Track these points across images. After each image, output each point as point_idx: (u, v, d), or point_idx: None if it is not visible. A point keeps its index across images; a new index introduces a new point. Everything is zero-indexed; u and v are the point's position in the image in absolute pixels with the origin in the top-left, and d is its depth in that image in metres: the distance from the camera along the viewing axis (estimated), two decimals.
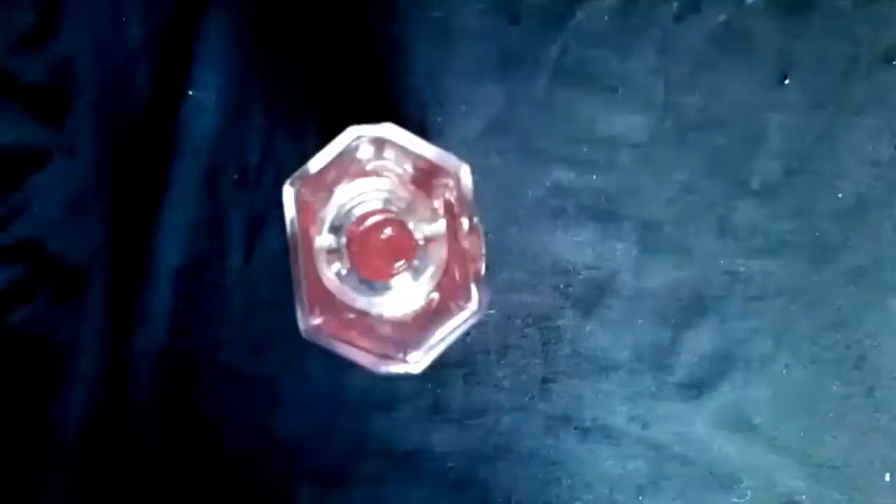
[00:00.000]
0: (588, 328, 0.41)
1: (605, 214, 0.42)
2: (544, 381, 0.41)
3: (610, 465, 0.41)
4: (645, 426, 0.41)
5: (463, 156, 0.30)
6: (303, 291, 0.30)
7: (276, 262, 0.42)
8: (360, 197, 0.32)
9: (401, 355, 0.30)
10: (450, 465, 0.41)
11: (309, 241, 0.31)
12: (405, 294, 0.31)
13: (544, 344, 0.41)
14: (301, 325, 0.30)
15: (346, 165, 0.31)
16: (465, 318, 0.30)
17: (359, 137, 0.30)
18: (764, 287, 0.41)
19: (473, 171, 0.31)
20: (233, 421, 0.41)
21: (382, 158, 0.31)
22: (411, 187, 0.32)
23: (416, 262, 0.31)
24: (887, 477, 0.40)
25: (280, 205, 0.30)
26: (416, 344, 0.30)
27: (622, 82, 0.42)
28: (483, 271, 0.30)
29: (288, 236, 0.30)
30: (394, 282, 0.31)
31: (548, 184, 0.42)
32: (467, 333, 0.36)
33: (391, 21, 0.43)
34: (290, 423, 0.41)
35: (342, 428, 0.41)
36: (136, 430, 0.41)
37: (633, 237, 0.42)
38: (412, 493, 0.41)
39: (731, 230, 0.42)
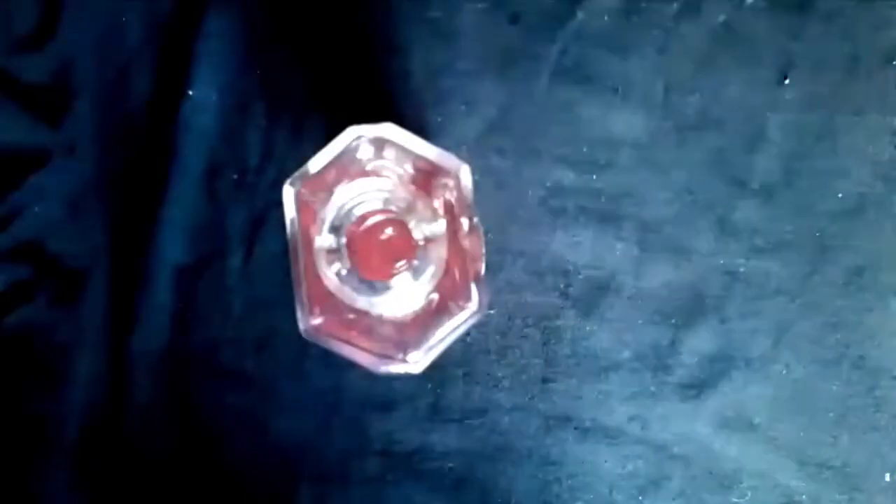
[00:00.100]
0: (588, 328, 0.41)
1: (605, 214, 0.42)
2: (544, 381, 0.41)
3: (610, 465, 0.41)
4: (645, 426, 0.41)
5: (463, 156, 0.30)
6: (303, 291, 0.30)
7: (276, 262, 0.42)
8: (360, 197, 0.32)
9: (401, 355, 0.30)
10: (449, 464, 0.41)
11: (309, 241, 0.31)
12: (405, 294, 0.31)
13: (544, 344, 0.41)
14: (301, 325, 0.30)
15: (346, 165, 0.31)
16: (465, 318, 0.30)
17: (359, 137, 0.30)
18: (764, 287, 0.41)
19: (473, 171, 0.31)
20: (233, 420, 0.41)
21: (382, 158, 0.31)
22: (411, 187, 0.32)
23: (416, 262, 0.31)
24: (887, 477, 0.40)
25: (280, 205, 0.30)
26: (416, 344, 0.30)
27: (622, 82, 0.42)
28: (483, 271, 0.30)
29: (288, 236, 0.30)
30: (394, 282, 0.31)
31: (548, 184, 0.42)
32: (467, 333, 0.36)
33: (391, 21, 0.43)
34: (289, 422, 0.41)
35: (342, 428, 0.41)
36: (136, 429, 0.41)
37: (633, 237, 0.42)
38: (412, 493, 0.41)
39: (731, 230, 0.42)
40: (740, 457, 0.40)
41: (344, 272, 0.31)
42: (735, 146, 0.42)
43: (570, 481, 0.41)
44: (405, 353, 0.30)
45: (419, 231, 0.31)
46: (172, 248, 0.42)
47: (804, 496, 0.40)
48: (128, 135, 0.43)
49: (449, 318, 0.30)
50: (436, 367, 0.31)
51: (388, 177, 0.32)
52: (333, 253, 0.31)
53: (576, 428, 0.41)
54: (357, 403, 0.41)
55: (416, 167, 0.31)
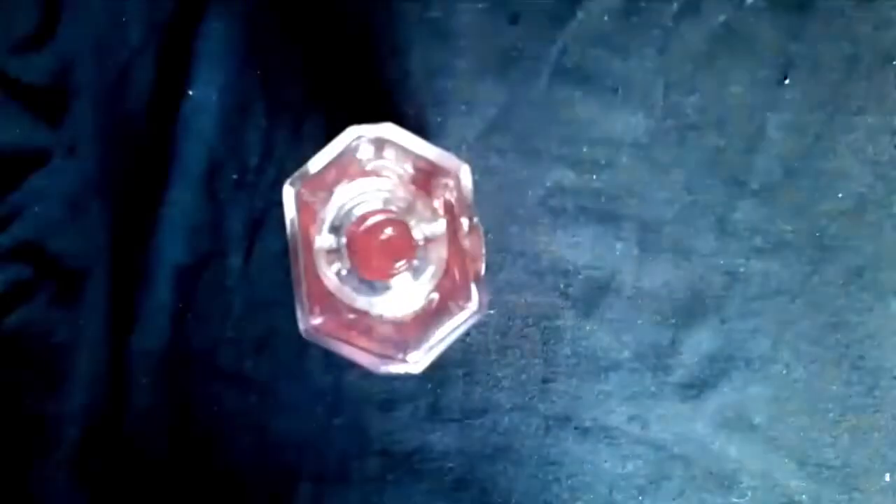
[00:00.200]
0: (588, 328, 0.41)
1: (605, 214, 0.42)
2: (544, 381, 0.41)
3: (610, 465, 0.41)
4: (645, 426, 0.41)
5: (463, 156, 0.30)
6: (303, 291, 0.30)
7: (276, 262, 0.42)
8: (360, 197, 0.32)
9: (401, 355, 0.30)
10: (449, 465, 0.41)
11: (309, 241, 0.31)
12: (405, 294, 0.31)
13: (544, 344, 0.41)
14: (301, 325, 0.30)
15: (346, 165, 0.31)
16: (465, 318, 0.30)
17: (359, 137, 0.30)
18: (764, 287, 0.41)
19: (473, 171, 0.31)
20: (232, 420, 0.41)
21: (382, 158, 0.31)
22: (411, 187, 0.32)
23: (416, 262, 0.31)
24: (887, 477, 0.40)
25: (280, 205, 0.30)
26: (416, 344, 0.30)
27: (622, 82, 0.42)
28: (483, 271, 0.30)
29: (288, 236, 0.30)
30: (394, 282, 0.31)
31: (548, 184, 0.42)
32: (467, 333, 0.37)
33: (391, 21, 0.43)
34: (289, 422, 0.41)
35: (341, 428, 0.41)
36: (136, 429, 0.41)
37: (633, 237, 0.42)
38: (411, 493, 0.41)
39: (731, 230, 0.42)
40: (740, 457, 0.41)
41: (344, 272, 0.31)
42: (735, 146, 0.42)
43: (570, 481, 0.41)
44: (405, 353, 0.30)
45: (419, 231, 0.31)
46: (172, 248, 0.42)
47: (804, 496, 0.40)
48: (128, 135, 0.43)
49: (449, 318, 0.30)
50: (436, 367, 0.31)
51: (388, 177, 0.32)
52: (333, 253, 0.31)
53: (576, 428, 0.41)
54: (357, 403, 0.41)
55: (416, 167, 0.31)
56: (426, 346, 0.30)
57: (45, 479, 0.41)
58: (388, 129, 0.30)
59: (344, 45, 0.43)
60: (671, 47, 0.42)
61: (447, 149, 0.30)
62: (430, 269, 0.31)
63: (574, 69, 0.43)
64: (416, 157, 0.30)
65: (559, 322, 0.41)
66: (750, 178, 0.42)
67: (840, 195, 0.42)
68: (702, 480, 0.41)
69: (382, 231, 0.32)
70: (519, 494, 0.41)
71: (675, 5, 0.43)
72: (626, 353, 0.41)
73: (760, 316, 0.41)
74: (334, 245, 0.31)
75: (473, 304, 0.30)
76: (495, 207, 0.42)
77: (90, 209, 0.43)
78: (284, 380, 0.41)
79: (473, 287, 0.30)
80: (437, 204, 0.31)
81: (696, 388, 0.41)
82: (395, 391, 0.41)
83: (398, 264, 0.31)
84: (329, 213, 0.31)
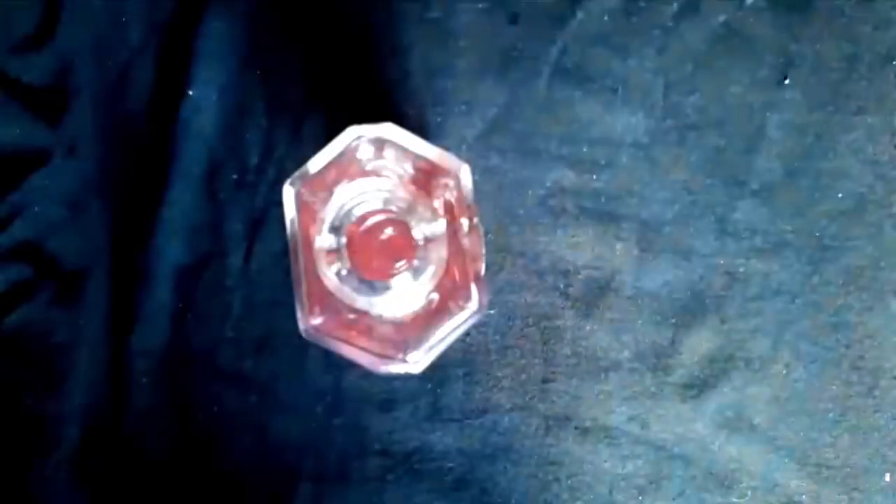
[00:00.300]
0: (588, 328, 0.41)
1: (605, 214, 0.42)
2: (544, 381, 0.41)
3: (610, 465, 0.41)
4: (645, 426, 0.41)
5: (463, 156, 0.30)
6: (303, 291, 0.30)
7: (276, 262, 0.42)
8: (360, 197, 0.32)
9: (401, 355, 0.30)
10: (449, 464, 0.41)
11: (309, 241, 0.31)
12: (405, 294, 0.31)
13: (544, 344, 0.41)
14: (301, 325, 0.30)
15: (345, 165, 0.31)
16: (465, 318, 0.30)
17: (359, 137, 0.30)
18: (764, 287, 0.41)
19: (473, 171, 0.31)
20: (232, 420, 0.41)
21: (382, 158, 0.31)
22: (411, 187, 0.32)
23: (416, 262, 0.31)
24: (887, 477, 0.40)
25: (280, 205, 0.30)
26: (416, 344, 0.30)
27: (622, 82, 0.42)
28: (483, 271, 0.30)
29: (288, 236, 0.30)
30: (394, 282, 0.31)
31: (548, 184, 0.42)
32: (467, 333, 0.37)
33: (391, 21, 0.43)
34: (289, 422, 0.41)
35: (341, 428, 0.41)
36: (136, 429, 0.41)
37: (633, 237, 0.42)
38: (411, 493, 0.41)
39: (731, 230, 0.42)
40: (740, 457, 0.40)
41: (344, 272, 0.31)
42: (735, 146, 0.42)
43: (570, 481, 0.41)
44: (405, 353, 0.30)
45: (419, 231, 0.31)
46: (172, 248, 0.42)
47: (804, 496, 0.40)
48: (128, 135, 0.43)
49: (449, 318, 0.30)
50: (436, 367, 0.31)
51: (388, 177, 0.32)
52: (333, 253, 0.31)
53: (576, 428, 0.41)
54: (357, 403, 0.41)
55: (416, 167, 0.31)
56: (426, 346, 0.30)
57: (45, 479, 0.41)
58: (388, 129, 0.30)
59: (344, 45, 0.43)
60: (671, 47, 0.43)
61: (447, 149, 0.30)
62: (430, 269, 0.31)
63: (574, 69, 0.43)
64: (416, 157, 0.30)
65: (559, 322, 0.41)
66: (750, 178, 0.42)
67: (840, 195, 0.42)
68: (702, 480, 0.41)
69: (382, 231, 0.32)
70: (519, 494, 0.41)
71: (675, 5, 0.43)
72: (626, 353, 0.41)
73: (760, 316, 0.41)
74: (334, 245, 0.31)
75: (473, 304, 0.30)
76: (495, 207, 0.42)
77: (90, 209, 0.43)
78: (284, 380, 0.41)
79: (473, 287, 0.30)
80: (437, 204, 0.31)
81: (696, 388, 0.41)
82: (395, 391, 0.41)
83: (398, 264, 0.31)
84: (329, 213, 0.31)
